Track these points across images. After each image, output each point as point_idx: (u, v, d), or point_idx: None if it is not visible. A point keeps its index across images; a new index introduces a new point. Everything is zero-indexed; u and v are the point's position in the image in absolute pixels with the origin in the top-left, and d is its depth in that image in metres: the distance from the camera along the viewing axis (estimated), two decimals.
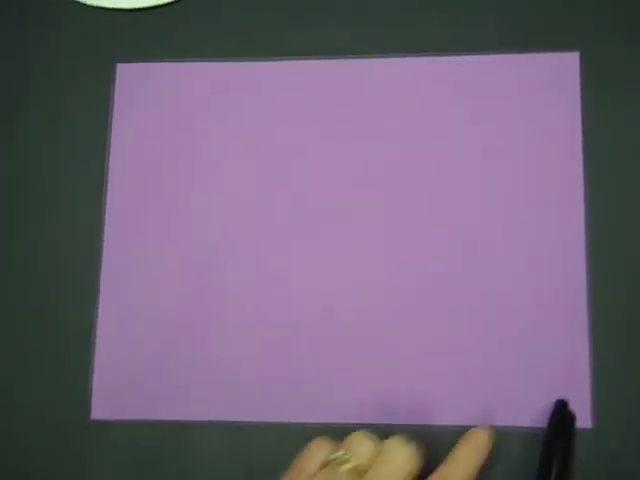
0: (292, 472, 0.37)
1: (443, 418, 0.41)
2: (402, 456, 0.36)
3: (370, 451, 0.36)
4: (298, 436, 0.41)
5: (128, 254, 0.44)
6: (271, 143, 0.45)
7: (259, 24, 0.46)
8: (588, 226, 0.42)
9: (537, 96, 0.43)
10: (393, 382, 0.41)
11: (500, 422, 0.40)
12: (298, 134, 0.45)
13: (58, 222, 0.45)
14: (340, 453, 0.36)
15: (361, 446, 0.36)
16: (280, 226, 0.44)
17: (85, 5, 0.47)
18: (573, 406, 0.40)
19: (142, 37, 0.47)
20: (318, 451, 0.37)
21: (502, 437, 0.40)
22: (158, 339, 0.43)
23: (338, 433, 0.40)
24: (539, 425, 0.40)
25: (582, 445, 0.40)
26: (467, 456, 0.37)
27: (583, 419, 0.40)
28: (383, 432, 0.40)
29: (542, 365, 0.41)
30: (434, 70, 0.44)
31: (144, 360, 0.43)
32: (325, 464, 0.36)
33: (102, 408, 0.43)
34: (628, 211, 0.42)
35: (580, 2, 0.44)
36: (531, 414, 0.40)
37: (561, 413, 0.39)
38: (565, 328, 0.41)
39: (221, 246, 0.44)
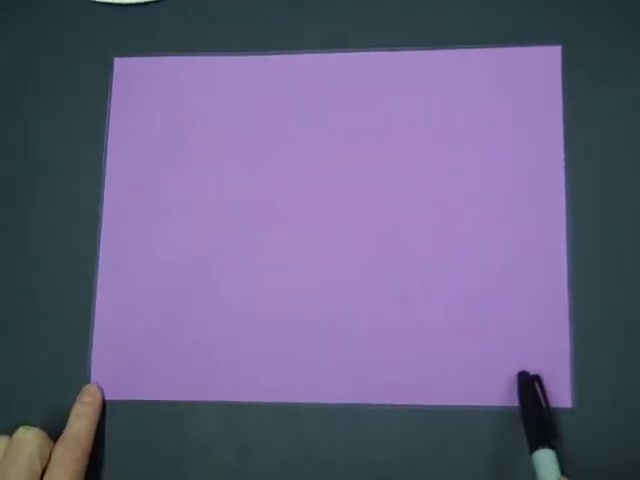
0: None
1: (427, 398, 0.42)
2: (24, 439, 0.39)
3: (4, 445, 0.39)
4: (292, 416, 0.42)
5: (126, 240, 0.45)
6: (268, 136, 0.45)
7: (258, 18, 0.47)
8: (569, 215, 0.43)
9: (519, 89, 0.44)
10: (381, 364, 0.42)
11: (481, 402, 0.41)
12: (296, 128, 0.45)
13: (58, 212, 0.46)
14: None
15: None
16: (277, 216, 0.45)
17: (82, 0, 0.48)
18: (553, 386, 0.41)
19: (140, 31, 0.48)
20: None
21: (482, 416, 0.41)
22: (156, 321, 0.44)
23: (331, 413, 0.41)
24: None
25: (563, 424, 0.41)
26: (82, 411, 0.41)
27: (563, 398, 0.41)
28: (371, 411, 0.42)
29: (523, 345, 0.42)
30: (417, 64, 0.45)
31: (142, 342, 0.44)
32: None
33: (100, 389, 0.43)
34: (609, 202, 0.43)
35: None
36: (512, 394, 0.41)
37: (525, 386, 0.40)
38: (545, 310, 0.42)
39: (218, 234, 0.45)
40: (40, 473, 0.39)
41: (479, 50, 0.45)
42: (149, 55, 0.47)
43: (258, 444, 0.42)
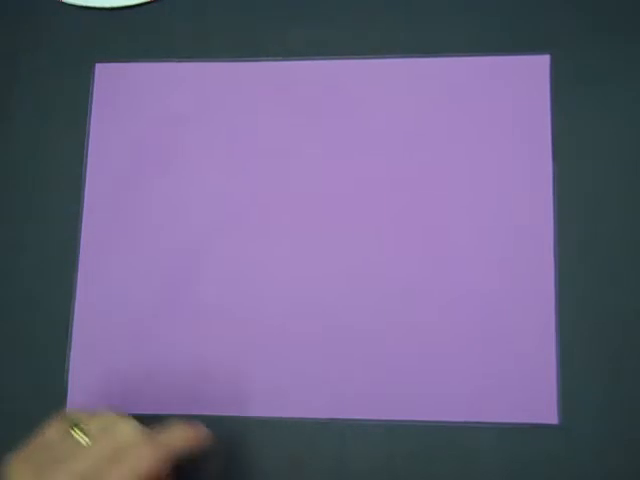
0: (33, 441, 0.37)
1: (417, 414, 0.41)
2: (125, 430, 0.36)
3: (102, 423, 0.36)
4: (288, 430, 0.42)
5: (106, 249, 0.44)
6: (253, 142, 0.45)
7: (243, 25, 0.47)
8: (557, 227, 0.42)
9: (508, 97, 0.44)
10: (375, 379, 0.42)
11: (469, 419, 0.41)
12: (282, 134, 0.45)
13: (37, 218, 0.45)
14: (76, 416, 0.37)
15: (93, 419, 0.37)
16: (263, 223, 0.44)
17: (64, 4, 0.47)
18: (540, 402, 0.40)
19: (121, 37, 0.47)
20: (59, 421, 0.37)
21: (470, 433, 0.41)
22: (134, 335, 0.43)
23: (318, 427, 0.41)
24: (507, 421, 0.41)
25: (549, 441, 0.40)
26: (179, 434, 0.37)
27: (550, 415, 0.40)
28: (366, 427, 0.41)
29: (510, 362, 0.41)
30: (407, 72, 0.45)
31: (120, 356, 0.43)
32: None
33: (78, 404, 0.43)
34: (596, 209, 0.42)
35: (551, 6, 0.45)
36: (499, 410, 0.41)
37: None
38: (533, 327, 0.41)
39: (205, 242, 0.44)
40: None
41: (469, 58, 0.45)
42: (131, 61, 0.47)
43: (245, 456, 0.42)
